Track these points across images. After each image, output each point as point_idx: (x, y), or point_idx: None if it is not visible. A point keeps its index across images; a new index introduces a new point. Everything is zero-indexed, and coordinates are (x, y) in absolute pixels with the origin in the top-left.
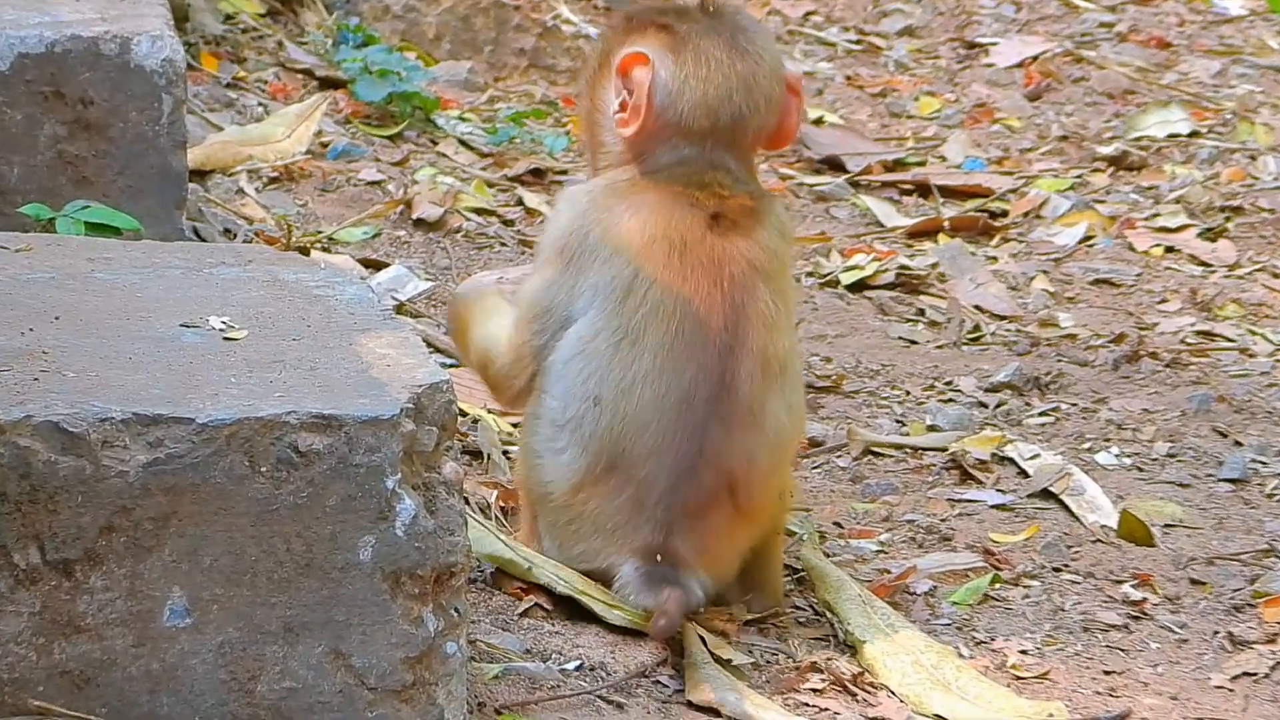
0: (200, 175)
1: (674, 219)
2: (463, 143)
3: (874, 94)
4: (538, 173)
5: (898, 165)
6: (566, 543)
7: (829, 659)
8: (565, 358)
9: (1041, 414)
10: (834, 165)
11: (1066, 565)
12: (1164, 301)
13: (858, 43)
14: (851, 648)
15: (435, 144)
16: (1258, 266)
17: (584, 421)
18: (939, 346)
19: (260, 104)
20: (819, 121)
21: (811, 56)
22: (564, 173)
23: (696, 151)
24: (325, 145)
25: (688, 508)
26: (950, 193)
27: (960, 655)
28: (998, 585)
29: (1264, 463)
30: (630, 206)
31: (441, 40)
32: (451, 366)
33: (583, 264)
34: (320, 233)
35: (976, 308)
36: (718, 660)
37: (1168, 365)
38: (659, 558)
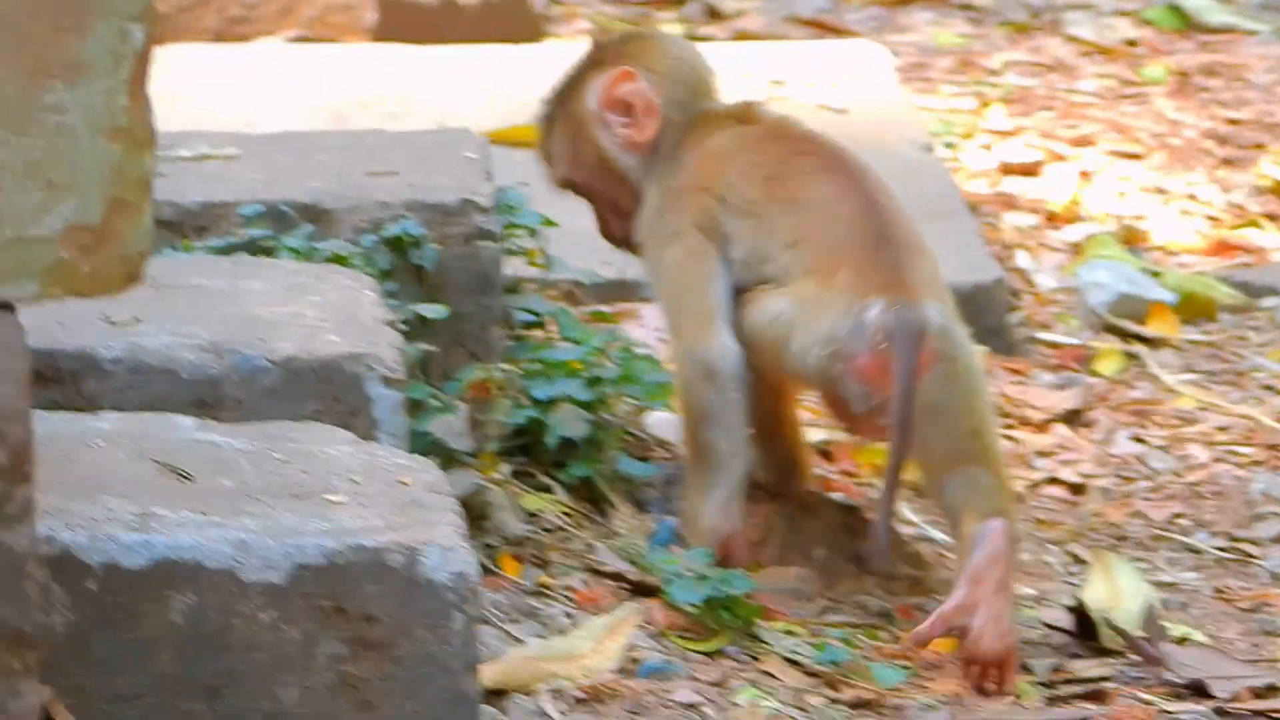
0: (496, 695)
1: None
2: (789, 660)
3: (1244, 608)
4: (864, 705)
5: (1270, 691)
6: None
7: None
8: None
9: None
10: (1198, 690)
11: None
12: None
13: (1227, 550)
14: None
15: (757, 660)
16: None
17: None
18: None
19: (566, 614)
20: (1182, 640)
21: (1176, 565)
22: (898, 707)
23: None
24: (636, 661)
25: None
26: None
27: None
28: None
29: None
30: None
31: (766, 543)
32: None
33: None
34: None
35: None
36: None
37: None
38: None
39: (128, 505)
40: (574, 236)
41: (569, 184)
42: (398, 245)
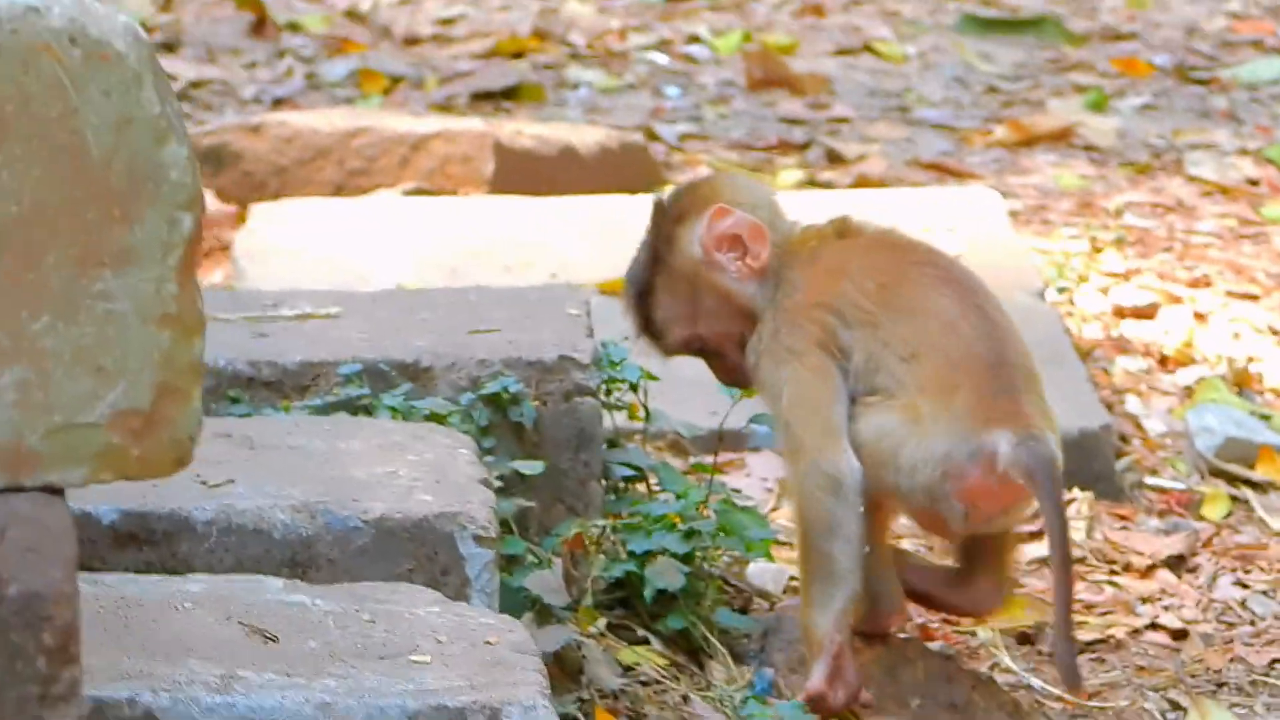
0: None
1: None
2: None
3: None
4: None
5: None
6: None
7: None
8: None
9: None
10: None
11: None
12: None
13: None
14: None
15: None
16: None
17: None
18: None
19: None
20: None
21: (1276, 711)
22: None
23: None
24: None
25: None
26: None
27: None
28: None
29: None
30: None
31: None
32: None
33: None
34: None
35: None
36: None
37: None
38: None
39: (212, 667)
40: (678, 388)
41: (692, 341)
42: (496, 402)
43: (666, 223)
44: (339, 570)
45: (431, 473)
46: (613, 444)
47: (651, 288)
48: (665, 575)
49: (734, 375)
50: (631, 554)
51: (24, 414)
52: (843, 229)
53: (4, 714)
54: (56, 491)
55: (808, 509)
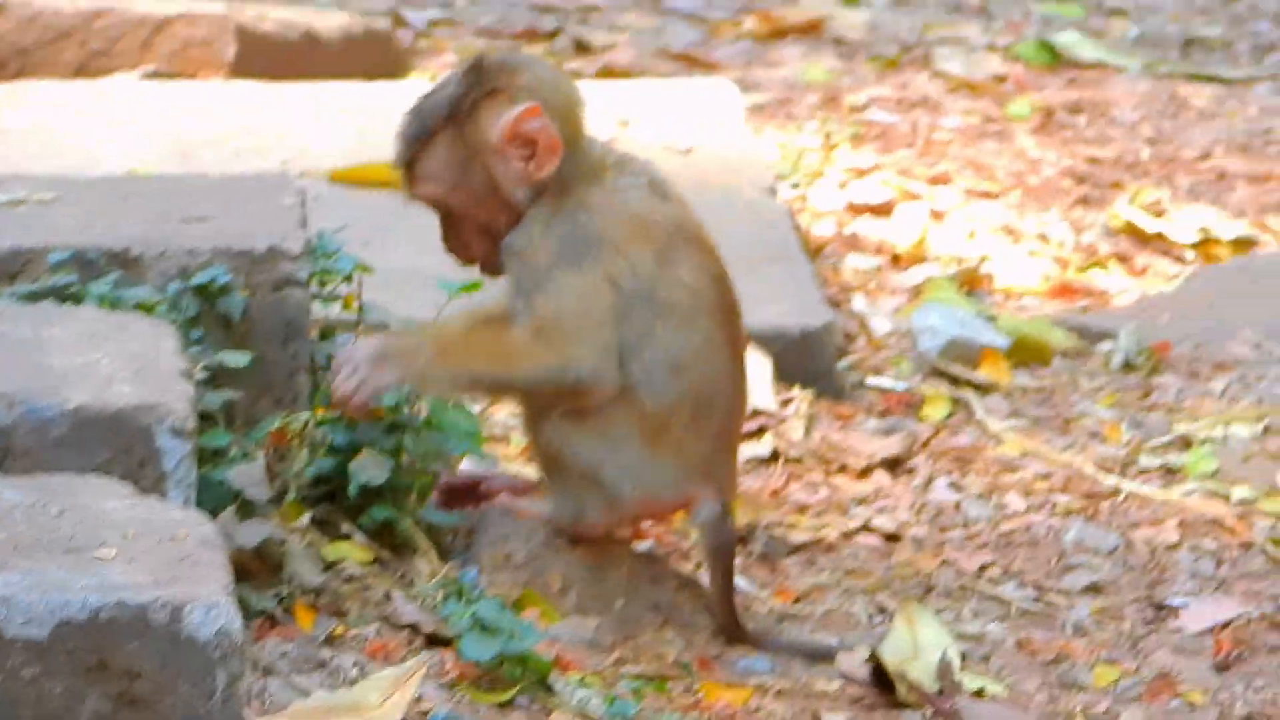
0: None
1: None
2: (580, 713)
3: (1046, 661)
4: None
5: None
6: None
7: None
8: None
9: None
10: None
11: None
12: None
13: (1035, 600)
14: None
15: (549, 713)
16: None
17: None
18: None
19: (356, 664)
20: (980, 693)
21: (982, 616)
22: None
23: (588, 147)
24: (425, 713)
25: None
26: None
27: None
28: None
29: None
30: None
31: (567, 592)
32: None
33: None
34: None
35: None
36: None
37: None
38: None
39: None
40: (394, 279)
41: (438, 203)
42: (204, 293)
43: (479, 90)
44: (36, 460)
45: (133, 363)
46: (325, 335)
47: (432, 137)
48: (369, 470)
49: (464, 249)
50: (334, 448)
51: None
52: (626, 165)
53: None
54: None
55: (523, 375)
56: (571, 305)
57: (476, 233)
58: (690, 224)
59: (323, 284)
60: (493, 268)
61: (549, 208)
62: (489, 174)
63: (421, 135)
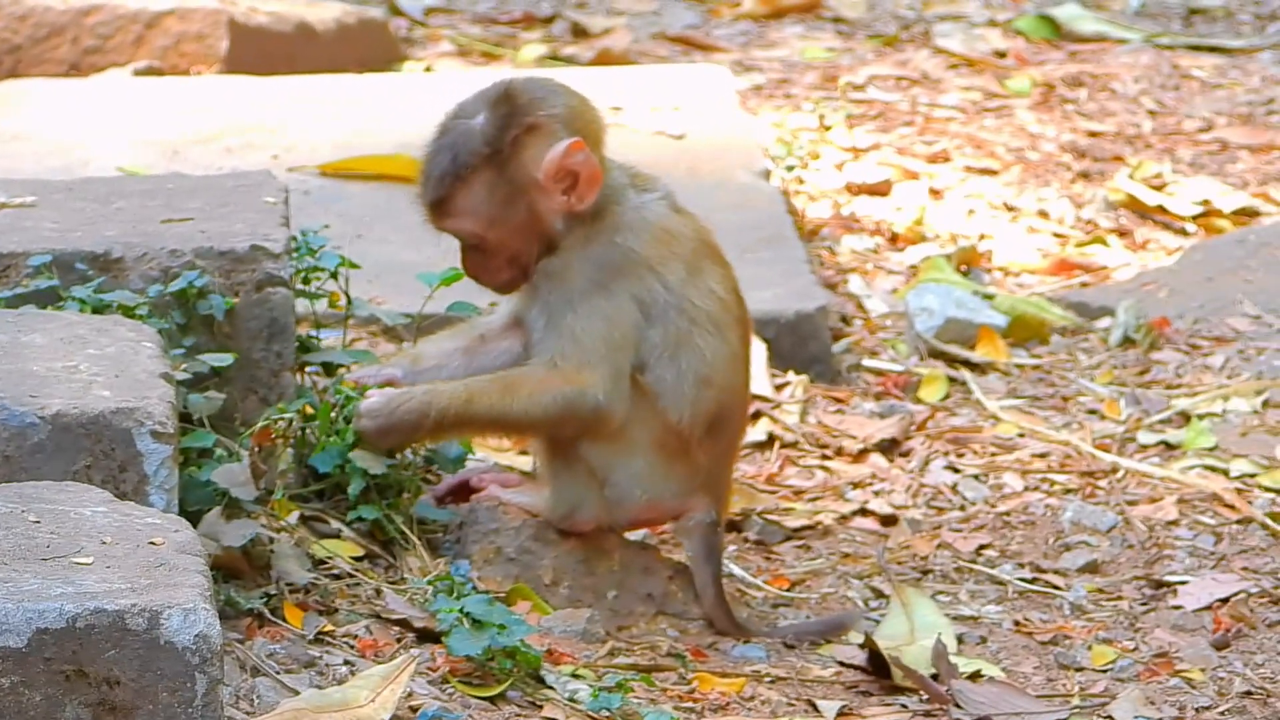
0: None
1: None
2: (572, 703)
3: (1043, 641)
4: None
5: None
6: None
7: None
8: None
9: None
10: None
11: None
12: None
13: (1033, 581)
14: None
15: (540, 707)
16: None
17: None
18: None
19: (346, 662)
20: (976, 676)
21: (979, 598)
22: None
23: (610, 167)
24: (415, 709)
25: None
26: None
27: None
28: None
29: None
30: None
31: (558, 585)
32: None
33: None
34: None
35: None
36: None
37: None
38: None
39: None
40: (380, 273)
41: (474, 237)
42: (184, 297)
43: (517, 125)
44: (15, 467)
45: (113, 367)
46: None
47: (470, 174)
48: (368, 461)
49: (490, 276)
50: (323, 445)
51: None
52: (643, 183)
53: None
54: None
55: (542, 409)
56: (597, 329)
57: (506, 261)
58: (707, 235)
59: (307, 281)
60: (513, 289)
61: (583, 232)
62: (530, 208)
63: (457, 172)
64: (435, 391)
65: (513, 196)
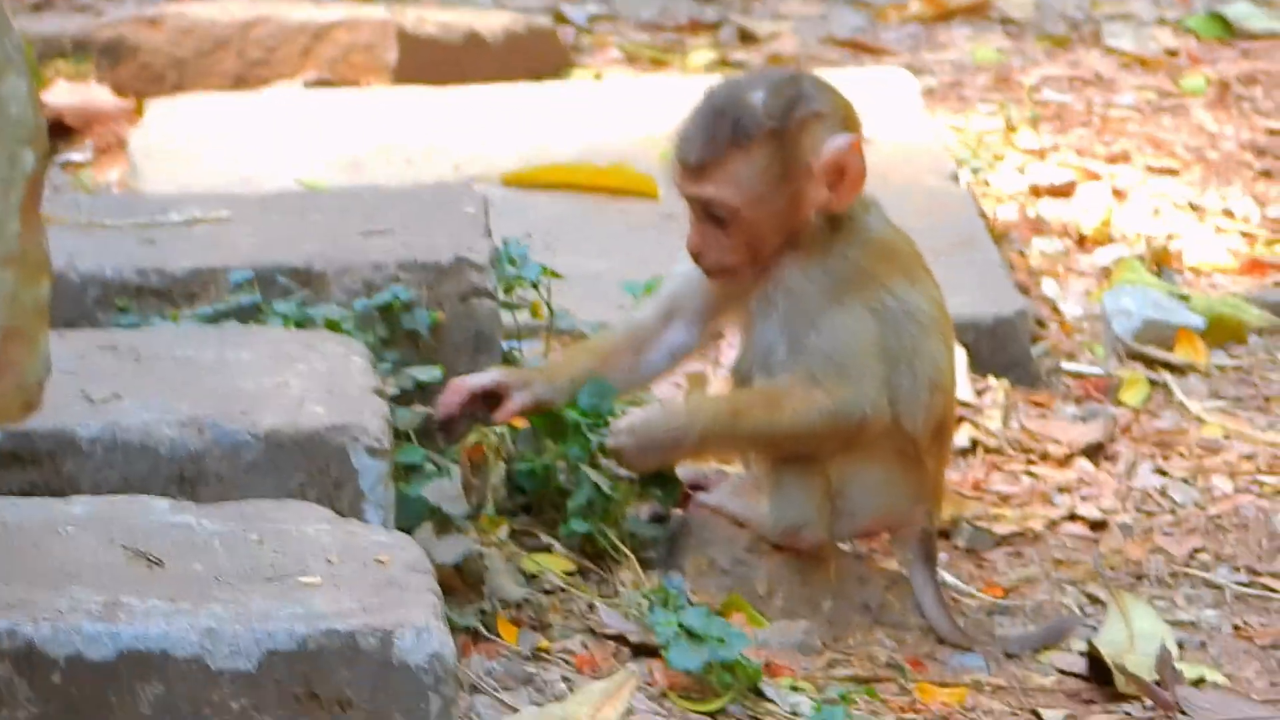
0: None
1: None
2: (794, 716)
3: (1264, 645)
4: None
5: None
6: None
7: None
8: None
9: None
10: None
11: None
12: None
13: (1249, 584)
14: None
15: (760, 719)
16: None
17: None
18: None
19: (564, 678)
20: (1199, 682)
21: (1195, 603)
22: None
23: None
24: None
25: None
26: None
27: None
28: None
29: None
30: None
31: (773, 596)
32: None
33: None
34: None
35: None
36: None
37: None
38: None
39: (95, 595)
40: (581, 284)
41: (723, 207)
42: (389, 311)
43: (805, 109)
44: (229, 486)
45: (323, 383)
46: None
47: (749, 142)
48: (585, 480)
49: (719, 255)
50: (533, 459)
51: None
52: (866, 198)
53: None
54: None
55: (809, 424)
56: (847, 344)
57: (744, 244)
58: (915, 247)
59: (508, 291)
60: (727, 276)
61: (823, 240)
62: (794, 195)
63: (737, 138)
64: (698, 408)
65: (783, 177)
